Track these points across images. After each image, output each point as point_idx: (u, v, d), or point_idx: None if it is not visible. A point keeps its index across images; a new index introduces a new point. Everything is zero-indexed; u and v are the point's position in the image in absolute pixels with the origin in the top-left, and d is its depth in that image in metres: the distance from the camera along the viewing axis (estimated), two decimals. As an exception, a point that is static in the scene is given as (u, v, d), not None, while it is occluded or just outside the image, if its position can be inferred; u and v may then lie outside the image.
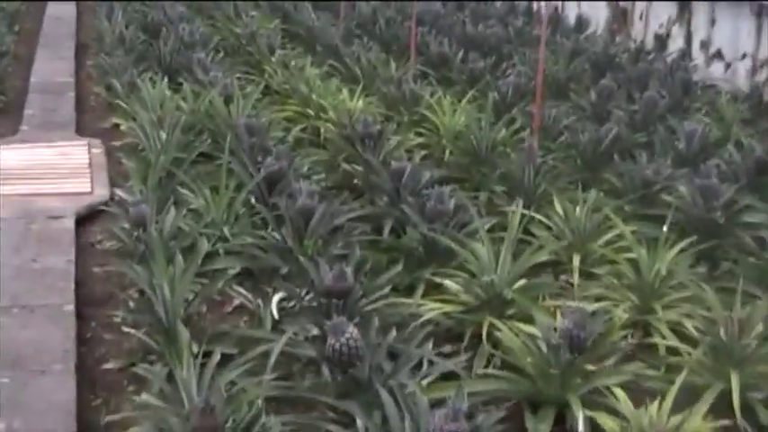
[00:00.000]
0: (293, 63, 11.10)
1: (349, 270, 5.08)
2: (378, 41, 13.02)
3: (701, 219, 6.81)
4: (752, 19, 11.76)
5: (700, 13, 12.82)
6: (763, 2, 11.45)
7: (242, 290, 5.95)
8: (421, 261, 6.22)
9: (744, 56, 11.96)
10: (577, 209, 6.86)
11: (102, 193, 7.77)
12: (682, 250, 6.18)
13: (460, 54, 11.64)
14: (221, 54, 11.96)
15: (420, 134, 9.11)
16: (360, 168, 7.97)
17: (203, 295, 5.33)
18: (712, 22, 12.56)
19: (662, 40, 13.59)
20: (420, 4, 14.93)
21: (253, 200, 6.90)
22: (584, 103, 10.15)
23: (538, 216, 6.91)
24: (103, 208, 7.27)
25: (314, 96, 9.45)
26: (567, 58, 11.63)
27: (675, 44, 13.29)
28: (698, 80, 11.36)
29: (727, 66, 12.29)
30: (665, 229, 6.18)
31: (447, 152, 8.62)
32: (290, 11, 14.98)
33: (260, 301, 5.78)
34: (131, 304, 5.74)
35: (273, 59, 11.26)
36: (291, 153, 7.71)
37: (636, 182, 7.56)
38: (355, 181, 8.04)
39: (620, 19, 14.66)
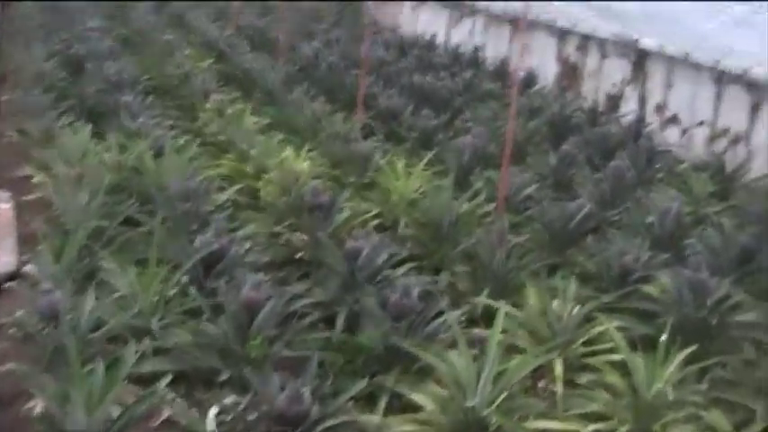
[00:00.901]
0: (229, 110, 10.18)
1: (305, 389, 4.23)
2: (321, 88, 12.20)
3: (690, 318, 6.07)
4: (711, 85, 11.20)
5: (655, 75, 12.25)
6: (724, 69, 10.90)
7: (173, 397, 5.02)
8: (383, 364, 5.39)
9: (701, 123, 11.39)
10: (555, 302, 6.11)
11: (7, 261, 6.67)
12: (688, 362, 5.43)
13: (410, 108, 10.88)
14: (151, 97, 10.94)
15: (369, 199, 8.28)
16: (305, 238, 7.14)
17: (130, 416, 4.37)
18: (669, 85, 11.99)
19: (615, 101, 12.99)
20: (361, 48, 14.22)
21: (186, 280, 5.97)
22: (545, 170, 9.44)
23: (512, 310, 6.11)
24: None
25: (253, 153, 8.55)
26: (524, 118, 10.90)
27: (628, 105, 12.69)
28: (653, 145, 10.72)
29: (684, 132, 11.71)
30: (663, 338, 5.42)
31: (402, 223, 7.77)
32: (224, 49, 14.07)
33: (195, 411, 4.88)
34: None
35: (208, 105, 10.33)
36: (230, 220, 6.86)
37: (613, 269, 6.82)
38: (300, 254, 7.16)
39: (571, 76, 14.04)
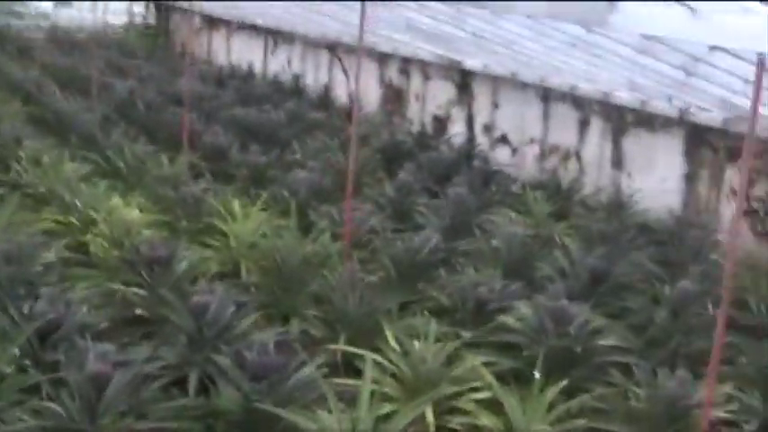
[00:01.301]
0: (46, 158, 9.54)
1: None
2: (140, 128, 11.65)
3: (554, 348, 5.90)
4: (538, 103, 11.24)
5: (481, 96, 12.22)
6: (550, 87, 10.95)
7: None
8: (245, 429, 4.99)
9: (531, 141, 11.41)
10: (416, 343, 5.83)
11: None
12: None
13: (236, 145, 10.49)
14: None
15: (206, 245, 7.84)
16: (143, 293, 6.65)
17: None
18: (496, 105, 11.98)
19: (442, 123, 12.91)
20: (178, 83, 13.74)
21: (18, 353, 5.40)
22: (382, 200, 9.21)
23: (374, 356, 5.80)
24: None
25: (78, 203, 7.99)
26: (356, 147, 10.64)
27: (456, 126, 12.63)
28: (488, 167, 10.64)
29: (514, 150, 11.71)
30: (536, 374, 5.22)
31: (244, 269, 7.37)
32: (32, 90, 13.31)
33: None
34: None
35: (22, 153, 9.65)
36: (60, 280, 6.32)
37: (468, 302, 6.61)
38: (139, 311, 6.65)
39: (395, 100, 13.91)
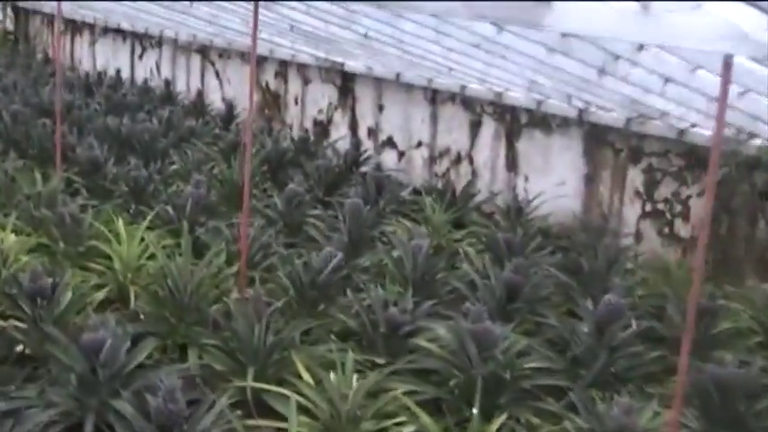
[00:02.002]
0: None
1: None
2: (8, 142, 10.86)
3: (481, 374, 5.50)
4: (425, 105, 10.87)
5: (364, 99, 11.80)
6: (434, 87, 10.60)
7: None
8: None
9: (419, 144, 11.04)
10: (332, 375, 5.36)
11: None
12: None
13: (112, 158, 9.81)
14: None
15: (90, 270, 7.21)
16: (23, 327, 6.01)
17: None
18: (380, 107, 11.57)
19: (323, 127, 12.45)
20: (44, 92, 12.97)
21: None
22: (271, 213, 8.71)
23: (286, 392, 5.31)
24: None
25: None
26: (236, 157, 10.11)
27: (339, 131, 12.18)
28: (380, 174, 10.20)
29: (401, 154, 11.32)
30: (475, 411, 4.81)
31: (132, 295, 6.77)
32: None
33: None
34: None
35: None
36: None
37: (379, 324, 6.16)
38: (21, 348, 6.01)
39: (273, 104, 13.38)
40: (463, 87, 10.15)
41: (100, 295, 6.71)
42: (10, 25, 21.89)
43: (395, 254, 7.50)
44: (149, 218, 7.73)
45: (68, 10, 17.66)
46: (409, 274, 7.13)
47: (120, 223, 7.45)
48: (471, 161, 10.41)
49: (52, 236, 7.63)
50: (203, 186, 8.33)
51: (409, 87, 11.01)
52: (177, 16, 11.93)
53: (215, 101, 14.41)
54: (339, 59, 11.73)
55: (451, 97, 10.55)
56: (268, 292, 6.81)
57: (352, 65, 11.61)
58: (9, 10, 21.65)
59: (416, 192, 10.28)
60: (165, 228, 8.02)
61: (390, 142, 11.48)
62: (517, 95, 9.53)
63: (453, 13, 5.16)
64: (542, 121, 9.50)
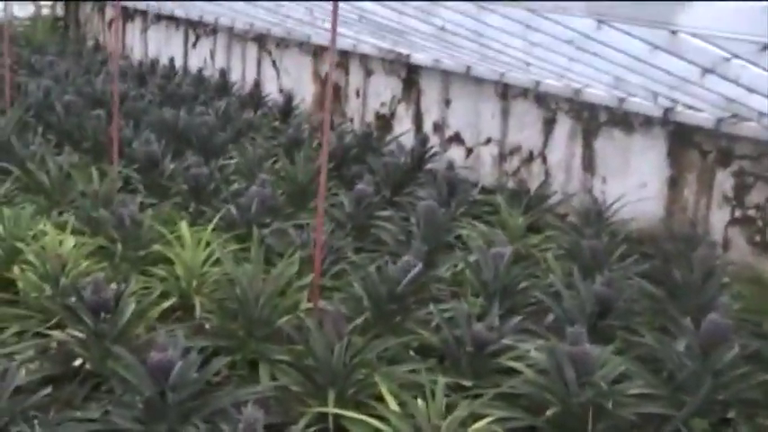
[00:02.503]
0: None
1: None
2: (61, 134, 10.50)
3: (580, 403, 5.02)
4: (496, 100, 10.35)
5: (430, 92, 11.30)
6: (506, 82, 10.08)
7: None
8: None
9: (488, 140, 10.53)
10: (419, 401, 4.91)
11: None
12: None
13: (169, 153, 9.41)
14: None
15: (151, 275, 6.80)
16: (82, 338, 5.62)
17: None
18: (447, 102, 11.07)
19: (386, 121, 11.97)
20: (95, 81, 12.60)
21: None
22: (340, 215, 8.27)
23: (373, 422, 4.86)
24: None
25: (5, 233, 6.88)
26: (300, 152, 9.66)
27: (402, 125, 11.70)
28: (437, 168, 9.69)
29: (469, 151, 10.82)
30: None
31: (197, 305, 6.35)
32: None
33: None
34: None
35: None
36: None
37: (464, 341, 5.69)
38: (80, 362, 5.61)
39: (332, 96, 12.92)
40: (537, 83, 9.63)
41: (163, 304, 6.29)
42: (60, 11, 21.57)
43: (471, 259, 7.03)
44: (215, 220, 7.24)
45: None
46: (490, 283, 6.65)
47: (184, 226, 7.01)
48: (544, 160, 9.89)
49: (110, 237, 7.23)
50: (268, 186, 7.88)
51: (479, 81, 10.50)
52: (236, 4, 11.49)
53: (271, 91, 13.97)
54: (405, 51, 11.24)
55: (524, 93, 10.04)
56: (341, 302, 6.39)
57: (419, 57, 11.12)
58: (60, -6, 21.39)
59: (485, 191, 9.79)
60: (228, 230, 7.59)
61: (457, 138, 10.98)
62: (597, 92, 9.00)
63: (570, 11, 4.67)
64: (623, 120, 8.96)
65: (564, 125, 9.63)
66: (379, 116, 12.12)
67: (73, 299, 5.45)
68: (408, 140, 11.11)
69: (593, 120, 9.29)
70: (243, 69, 14.87)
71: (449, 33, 8.20)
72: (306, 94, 13.31)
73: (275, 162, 9.87)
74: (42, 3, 20.73)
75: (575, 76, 8.53)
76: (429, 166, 10.34)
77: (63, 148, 9.62)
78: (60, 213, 8.09)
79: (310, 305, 6.19)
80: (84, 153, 9.89)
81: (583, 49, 6.70)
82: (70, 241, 6.59)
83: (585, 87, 9.08)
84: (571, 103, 9.50)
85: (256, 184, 7.86)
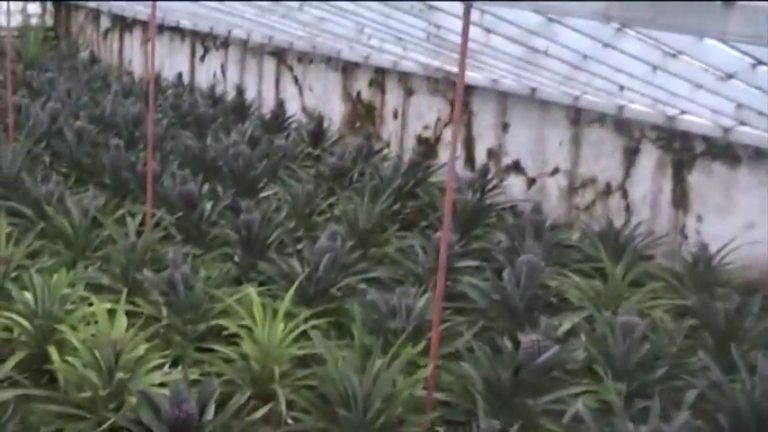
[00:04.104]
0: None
1: None
2: (72, 166, 9.28)
3: None
4: (565, 126, 9.21)
5: (484, 115, 10.16)
6: (580, 107, 8.95)
7: None
8: None
9: (556, 171, 9.39)
10: None
11: None
12: None
13: (204, 189, 8.23)
14: None
15: (210, 351, 5.62)
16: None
17: None
18: (504, 126, 9.92)
19: (430, 146, 10.81)
20: (105, 103, 11.40)
21: None
22: (412, 266, 7.10)
23: None
24: None
25: (32, 299, 5.66)
26: (369, 193, 8.48)
27: (448, 150, 10.49)
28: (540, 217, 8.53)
29: (531, 182, 9.68)
30: None
31: (281, 399, 5.15)
32: None
33: None
34: None
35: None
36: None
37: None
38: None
39: (365, 116, 11.75)
40: (621, 108, 8.50)
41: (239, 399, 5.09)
42: (50, 20, 20.22)
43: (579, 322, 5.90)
44: (292, 290, 5.99)
45: (118, 5, 16.07)
46: (619, 360, 5.53)
47: (253, 294, 5.80)
48: (624, 194, 8.76)
49: (153, 301, 6.05)
50: (339, 238, 6.68)
51: (545, 105, 9.36)
52: (265, 17, 10.29)
53: (293, 111, 12.74)
54: (455, 69, 10.06)
55: (600, 118, 8.90)
56: (448, 387, 5.26)
57: (473, 76, 9.96)
58: (49, 4, 19.99)
59: (553, 228, 8.64)
60: (291, 292, 6.40)
61: (517, 167, 9.84)
62: (695, 120, 7.88)
63: None
64: (726, 151, 7.85)
65: (650, 155, 8.51)
66: (421, 140, 10.95)
67: (146, 414, 4.24)
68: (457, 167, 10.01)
69: (687, 150, 8.18)
70: (259, 86, 13.67)
71: (500, 52, 7.17)
72: (333, 114, 12.12)
73: (322, 195, 8.71)
74: (31, 12, 19.38)
75: (662, 97, 7.45)
76: (490, 199, 9.20)
77: (77, 181, 8.44)
78: (86, 267, 6.90)
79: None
80: (100, 187, 8.67)
81: (667, 71, 5.64)
82: (122, 321, 5.37)
83: (681, 114, 7.96)
84: (659, 130, 8.38)
85: (325, 236, 6.64)
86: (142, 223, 7.57)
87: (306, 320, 5.82)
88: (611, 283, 7.11)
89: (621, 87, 7.68)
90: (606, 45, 6.07)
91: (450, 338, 5.97)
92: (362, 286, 6.72)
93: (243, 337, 5.56)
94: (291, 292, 5.76)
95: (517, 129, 9.80)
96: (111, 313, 5.43)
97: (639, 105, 8.29)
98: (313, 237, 7.45)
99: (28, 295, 5.73)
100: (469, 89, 10.24)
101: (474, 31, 7.17)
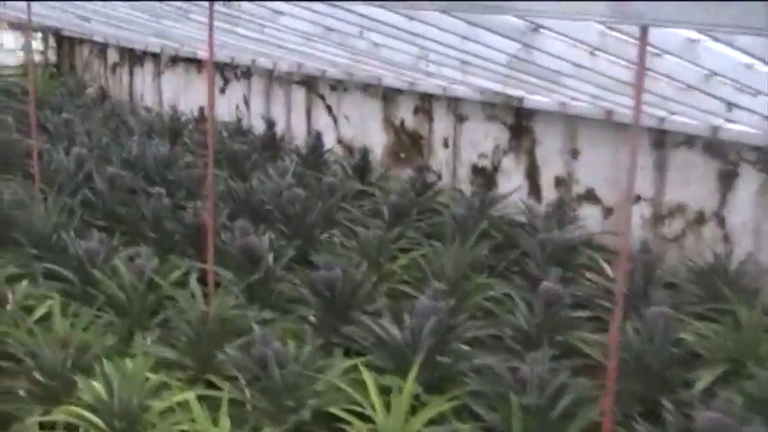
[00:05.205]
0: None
1: None
2: (108, 218, 8.44)
3: None
4: (646, 150, 8.40)
5: (549, 141, 9.35)
6: (665, 129, 8.15)
7: None
8: None
9: (637, 199, 8.56)
10: None
11: None
12: None
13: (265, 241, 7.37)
14: None
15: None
16: None
17: None
18: (573, 152, 9.11)
19: (487, 176, 9.98)
20: (130, 145, 10.61)
21: None
22: (515, 321, 6.26)
23: None
24: None
25: (113, 401, 4.80)
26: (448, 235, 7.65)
27: (509, 180, 9.71)
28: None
29: (608, 211, 8.86)
30: None
31: None
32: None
33: None
34: None
35: None
36: None
37: None
38: None
39: (411, 147, 10.93)
40: (715, 129, 7.69)
41: None
42: (52, 57, 19.32)
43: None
44: (413, 373, 5.13)
45: (127, 38, 15.24)
46: None
47: (368, 378, 4.94)
48: (721, 223, 7.94)
49: (230, 376, 5.21)
50: (440, 298, 5.83)
51: (620, 127, 8.54)
52: (308, 46, 9.45)
53: (328, 142, 11.89)
54: (517, 93, 9.27)
55: (688, 140, 8.09)
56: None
57: (536, 99, 9.16)
58: (51, 39, 19.11)
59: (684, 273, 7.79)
60: (389, 360, 5.57)
61: (590, 196, 9.01)
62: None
63: None
64: None
65: (750, 180, 7.69)
66: (477, 170, 10.12)
67: None
68: (516, 199, 9.23)
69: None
70: (288, 117, 12.82)
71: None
72: (373, 144, 11.27)
73: (391, 238, 7.88)
74: (33, 49, 18.46)
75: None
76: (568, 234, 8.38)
77: (109, 232, 7.61)
78: (144, 338, 6.07)
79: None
80: (140, 239, 7.85)
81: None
82: (224, 421, 4.51)
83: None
84: (758, 152, 7.58)
85: (427, 296, 5.78)
86: (201, 282, 6.74)
87: (416, 396, 4.99)
88: (746, 329, 6.26)
89: (729, 106, 6.88)
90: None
91: (580, 405, 5.13)
92: (464, 347, 5.90)
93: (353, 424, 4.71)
94: (414, 374, 4.89)
95: (589, 155, 8.99)
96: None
97: (737, 125, 7.50)
98: (397, 291, 6.64)
99: (97, 385, 4.87)
100: (531, 113, 9.44)
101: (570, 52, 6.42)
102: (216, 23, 8.69)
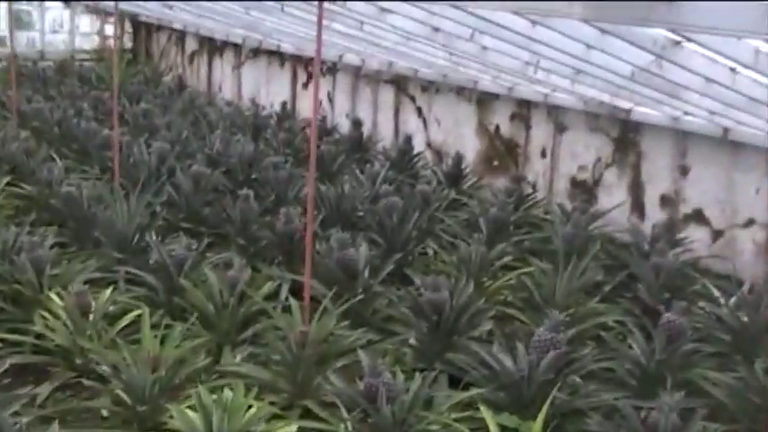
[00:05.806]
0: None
1: None
2: (193, 221, 8.10)
3: None
4: (764, 171, 7.85)
5: (656, 156, 8.82)
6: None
7: None
8: None
9: (750, 222, 8.02)
10: None
11: None
12: None
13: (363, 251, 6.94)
14: None
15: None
16: None
17: None
18: (682, 169, 8.58)
19: (587, 190, 9.48)
20: (213, 140, 10.26)
21: None
22: (632, 354, 5.77)
23: None
24: None
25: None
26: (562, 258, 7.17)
27: (611, 196, 9.20)
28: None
29: (717, 234, 8.32)
30: None
31: None
32: (19, 160, 9.61)
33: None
34: None
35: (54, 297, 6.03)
36: None
37: None
38: None
39: (506, 155, 10.45)
40: None
41: None
42: (128, 42, 19.07)
43: None
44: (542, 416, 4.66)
45: (207, 27, 14.92)
46: None
47: (486, 412, 4.50)
48: None
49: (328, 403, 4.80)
50: (560, 330, 5.35)
51: (737, 147, 8.00)
52: (408, 46, 9.03)
53: (417, 146, 11.43)
54: (624, 104, 8.76)
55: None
56: None
57: (643, 112, 8.65)
58: (127, 25, 18.86)
59: (751, 291, 7.25)
60: (504, 394, 5.12)
61: (699, 217, 8.48)
62: None
63: None
64: None
65: None
66: (576, 182, 9.62)
67: None
68: (618, 215, 8.74)
69: None
70: (374, 117, 12.40)
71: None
72: (465, 150, 10.79)
73: (494, 256, 7.41)
74: (108, 32, 18.24)
75: None
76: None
77: (195, 236, 7.25)
78: (240, 361, 5.69)
79: None
80: (225, 245, 7.48)
81: None
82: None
83: None
84: None
85: (546, 326, 5.30)
86: (292, 294, 6.35)
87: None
88: None
89: None
90: None
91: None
92: (578, 379, 5.44)
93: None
94: (543, 415, 4.43)
95: (699, 173, 8.45)
96: None
97: None
98: (500, 313, 6.21)
99: (195, 417, 4.47)
100: (638, 126, 8.93)
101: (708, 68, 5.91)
102: (309, 17, 8.34)
